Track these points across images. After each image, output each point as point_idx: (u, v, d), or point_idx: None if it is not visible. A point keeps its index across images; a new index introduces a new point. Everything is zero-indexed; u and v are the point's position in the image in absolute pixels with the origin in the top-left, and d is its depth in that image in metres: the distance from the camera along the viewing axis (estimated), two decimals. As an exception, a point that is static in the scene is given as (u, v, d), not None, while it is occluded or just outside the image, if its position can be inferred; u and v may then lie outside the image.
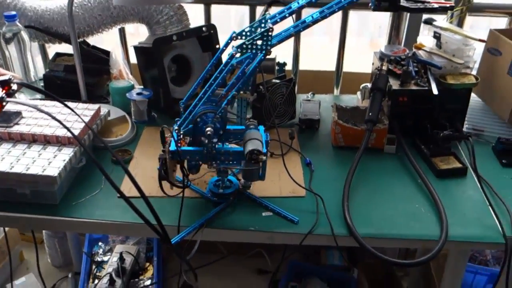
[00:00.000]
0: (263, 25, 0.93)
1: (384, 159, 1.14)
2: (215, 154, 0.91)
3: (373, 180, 1.07)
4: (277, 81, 1.24)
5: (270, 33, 0.89)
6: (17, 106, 1.10)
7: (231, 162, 0.93)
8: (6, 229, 1.66)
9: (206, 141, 0.89)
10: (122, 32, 1.56)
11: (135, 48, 1.32)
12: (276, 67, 1.28)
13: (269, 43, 0.89)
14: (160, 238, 0.79)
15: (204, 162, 0.94)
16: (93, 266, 1.68)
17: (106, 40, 1.51)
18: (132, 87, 1.32)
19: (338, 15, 1.48)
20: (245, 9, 1.49)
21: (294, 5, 0.94)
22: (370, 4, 1.00)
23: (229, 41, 0.94)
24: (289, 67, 1.39)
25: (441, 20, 1.29)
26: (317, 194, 0.99)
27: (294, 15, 0.98)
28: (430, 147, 1.12)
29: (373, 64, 1.34)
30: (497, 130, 1.23)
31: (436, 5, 1.02)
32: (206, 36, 1.34)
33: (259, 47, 0.90)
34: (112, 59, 1.40)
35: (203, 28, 1.32)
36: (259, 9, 1.46)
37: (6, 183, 0.94)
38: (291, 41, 1.49)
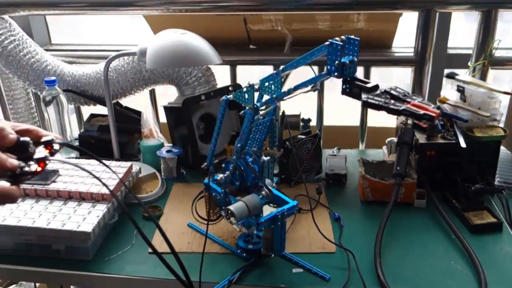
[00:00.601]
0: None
1: (414, 214, 1.13)
2: (228, 203, 0.92)
3: (405, 235, 1.05)
4: (303, 136, 1.26)
5: (249, 89, 0.92)
6: (54, 164, 1.15)
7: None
8: (37, 285, 1.67)
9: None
10: (152, 93, 1.63)
11: (165, 108, 1.38)
12: (301, 123, 1.30)
13: (252, 99, 0.93)
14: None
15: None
16: (119, 326, 1.66)
17: (135, 100, 1.58)
18: (162, 145, 1.36)
19: (360, 71, 1.52)
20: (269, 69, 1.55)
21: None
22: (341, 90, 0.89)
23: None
24: (313, 123, 1.42)
25: (463, 74, 1.31)
26: (348, 250, 0.98)
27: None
28: (462, 201, 1.11)
29: (397, 118, 1.35)
30: (530, 183, 1.21)
31: (412, 108, 0.80)
32: (233, 95, 1.39)
33: (246, 100, 0.93)
34: (143, 119, 1.45)
35: (230, 88, 1.38)
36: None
37: (42, 239, 0.96)
38: (315, 98, 1.53)
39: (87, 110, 1.58)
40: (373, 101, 0.82)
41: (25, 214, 0.98)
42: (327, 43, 0.81)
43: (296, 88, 0.88)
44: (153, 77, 1.41)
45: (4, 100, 1.63)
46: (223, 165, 0.97)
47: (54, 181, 1.08)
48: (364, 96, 0.83)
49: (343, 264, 0.95)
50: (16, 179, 0.62)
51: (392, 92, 0.84)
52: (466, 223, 1.06)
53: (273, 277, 0.93)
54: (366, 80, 0.86)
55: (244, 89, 0.94)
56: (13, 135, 0.65)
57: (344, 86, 0.86)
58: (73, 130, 1.57)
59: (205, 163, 1.02)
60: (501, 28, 1.40)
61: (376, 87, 0.85)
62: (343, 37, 0.83)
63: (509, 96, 1.26)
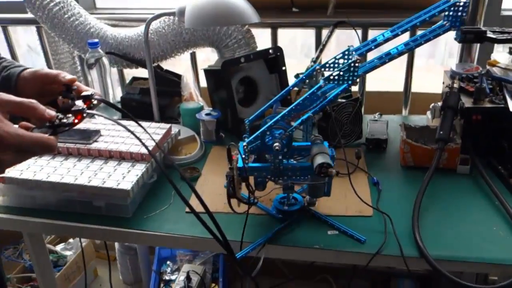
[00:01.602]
0: (346, 56, 0.96)
1: (457, 179, 1.09)
2: (282, 170, 0.91)
3: (445, 200, 1.02)
4: (343, 100, 1.23)
5: (356, 65, 0.89)
6: (96, 125, 1.18)
7: (298, 178, 0.93)
8: (83, 244, 1.76)
9: (273, 156, 0.90)
10: (193, 56, 1.63)
11: (205, 70, 1.38)
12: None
13: (356, 74, 0.89)
14: (227, 252, 0.80)
15: (271, 178, 0.94)
16: (161, 285, 1.73)
17: (176, 64, 1.59)
18: (201, 108, 1.37)
19: (406, 35, 1.45)
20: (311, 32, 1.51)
21: (380, 38, 0.95)
22: (455, 37, 1.01)
23: (313, 72, 0.97)
24: (354, 88, 1.38)
25: (518, 35, 1.22)
26: (385, 213, 0.96)
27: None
28: (508, 167, 1.06)
29: (443, 83, 1.29)
30: None
31: None
32: (273, 58, 1.37)
33: (345, 77, 0.90)
34: (183, 82, 1.46)
35: (270, 51, 1.36)
36: (325, 32, 1.48)
37: (84, 195, 1.00)
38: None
39: (130, 73, 1.61)
40: (501, 37, 1.01)
41: (68, 171, 1.02)
42: (451, 3, 0.94)
43: (417, 43, 0.94)
44: (193, 39, 1.41)
45: (51, 64, 1.69)
46: (267, 133, 0.92)
47: (95, 141, 1.11)
48: (490, 35, 1.00)
49: (380, 227, 0.94)
50: (54, 129, 0.64)
51: (503, 30, 1.03)
52: (512, 190, 1.02)
53: (308, 238, 0.93)
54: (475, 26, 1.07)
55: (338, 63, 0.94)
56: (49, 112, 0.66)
57: (463, 35, 0.99)
58: (116, 93, 1.61)
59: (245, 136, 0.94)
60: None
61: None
62: None
63: None
